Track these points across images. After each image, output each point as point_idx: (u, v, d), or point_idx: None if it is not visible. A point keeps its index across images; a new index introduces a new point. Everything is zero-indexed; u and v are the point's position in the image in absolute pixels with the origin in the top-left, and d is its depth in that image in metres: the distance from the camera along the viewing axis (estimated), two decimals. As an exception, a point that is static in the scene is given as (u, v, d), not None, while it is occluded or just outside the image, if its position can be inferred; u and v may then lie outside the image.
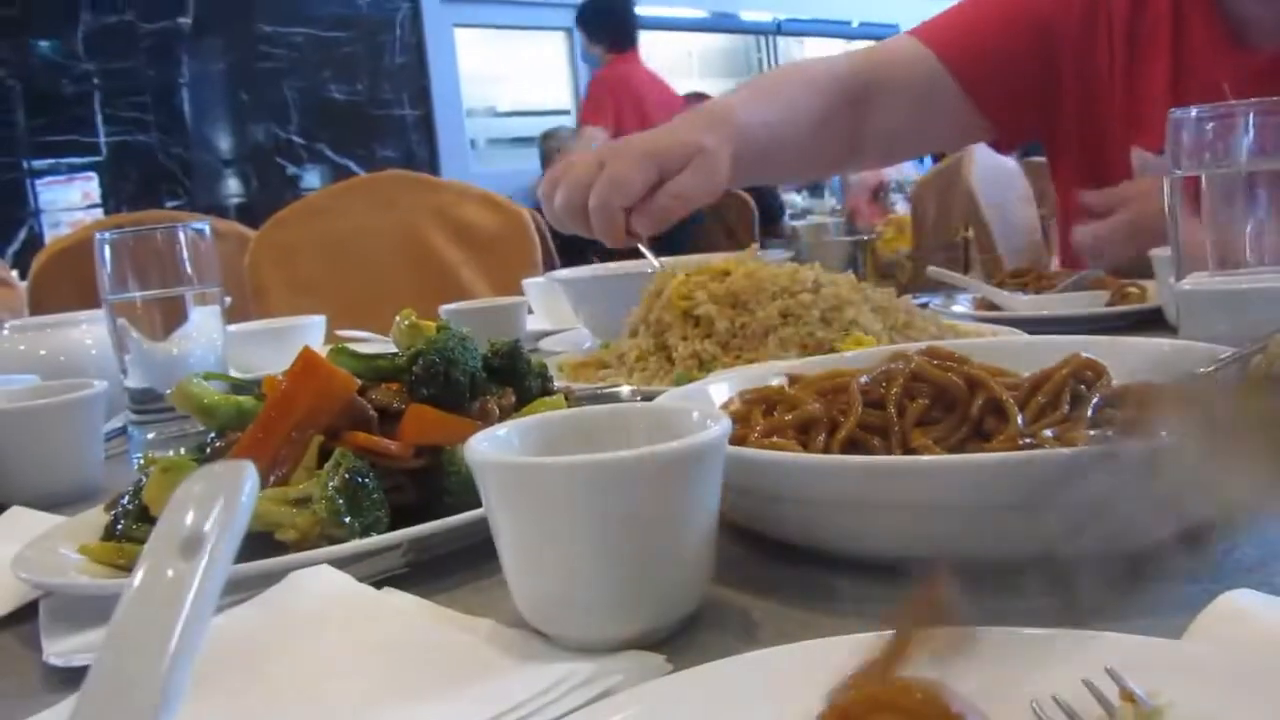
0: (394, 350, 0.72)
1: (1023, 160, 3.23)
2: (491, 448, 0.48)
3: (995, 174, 3.02)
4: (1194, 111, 0.75)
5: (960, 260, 3.27)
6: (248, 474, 0.26)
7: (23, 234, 4.84)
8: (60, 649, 0.52)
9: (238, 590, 0.53)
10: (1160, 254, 1.06)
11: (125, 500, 0.64)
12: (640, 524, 0.44)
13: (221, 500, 0.25)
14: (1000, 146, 1.47)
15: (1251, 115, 0.72)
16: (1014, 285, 1.30)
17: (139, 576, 0.25)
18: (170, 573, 0.24)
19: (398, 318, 0.74)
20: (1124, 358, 0.68)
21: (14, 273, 2.36)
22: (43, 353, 1.16)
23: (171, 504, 0.26)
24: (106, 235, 0.93)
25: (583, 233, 1.08)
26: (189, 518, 0.25)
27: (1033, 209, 3.16)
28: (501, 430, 0.51)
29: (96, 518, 0.66)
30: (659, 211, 1.04)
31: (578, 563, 0.44)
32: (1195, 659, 0.34)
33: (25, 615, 0.60)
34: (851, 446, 0.57)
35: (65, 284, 2.08)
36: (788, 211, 4.86)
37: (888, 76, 1.35)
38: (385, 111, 5.74)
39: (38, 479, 0.85)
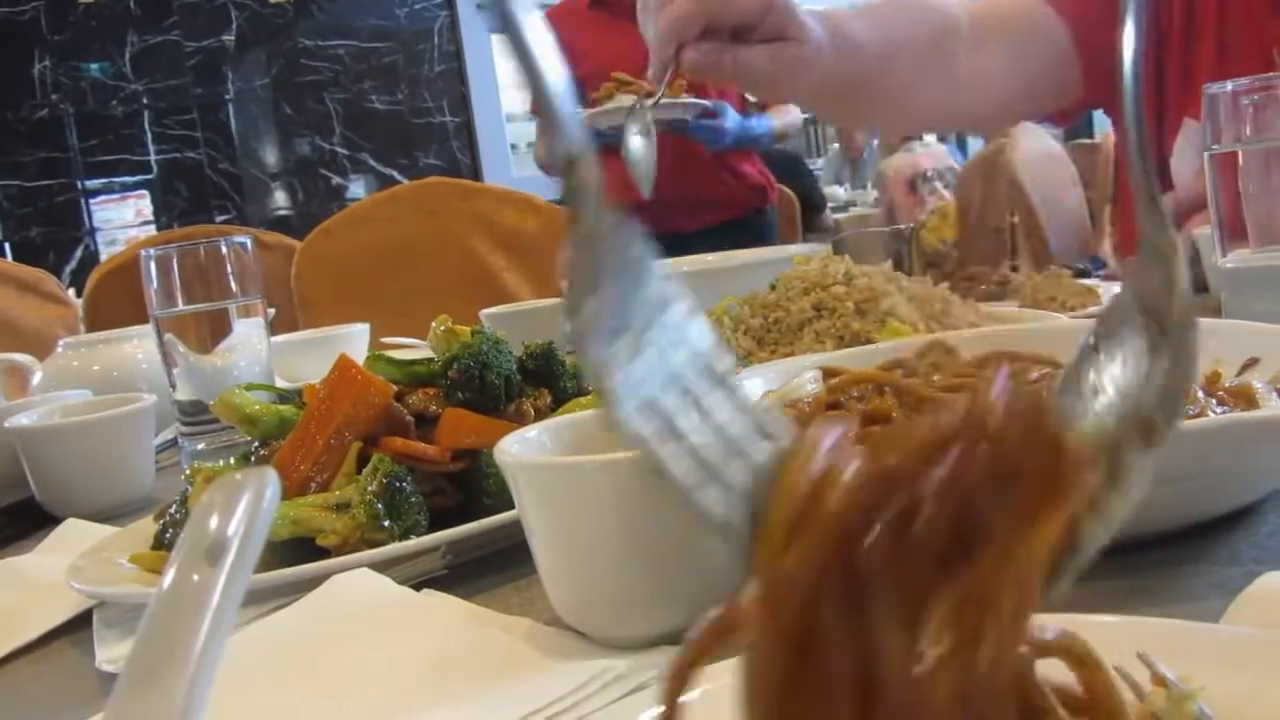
0: (432, 356, 0.73)
1: (1068, 144, 3.19)
2: (521, 449, 0.49)
3: (1041, 159, 2.98)
4: (1229, 86, 0.73)
5: (1006, 247, 3.22)
6: (269, 480, 0.27)
7: (79, 252, 4.96)
8: (112, 656, 0.54)
9: (279, 595, 0.54)
10: (1203, 232, 1.04)
11: (173, 510, 0.66)
12: (669, 520, 0.44)
13: (244, 506, 0.26)
14: (1064, 115, 1.42)
15: (1290, 88, 0.71)
16: (964, 288, 1.17)
17: (166, 582, 0.25)
18: (196, 577, 0.25)
19: (434, 323, 0.75)
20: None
21: (70, 291, 2.42)
22: (96, 368, 1.18)
23: (196, 511, 0.27)
24: (152, 252, 0.96)
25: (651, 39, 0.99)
26: (213, 524, 0.26)
27: (1080, 193, 3.11)
28: (532, 432, 0.51)
29: (147, 528, 0.68)
30: (715, 63, 0.97)
31: (608, 561, 0.45)
32: (1229, 641, 0.33)
33: (81, 624, 0.61)
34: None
35: (120, 300, 2.13)
36: (829, 204, 4.82)
37: (999, 21, 1.31)
38: (426, 120, 5.79)
39: (91, 491, 0.88)
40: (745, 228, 2.67)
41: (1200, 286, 1.11)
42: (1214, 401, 0.51)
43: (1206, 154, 0.77)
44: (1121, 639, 0.33)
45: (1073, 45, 1.29)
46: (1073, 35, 1.28)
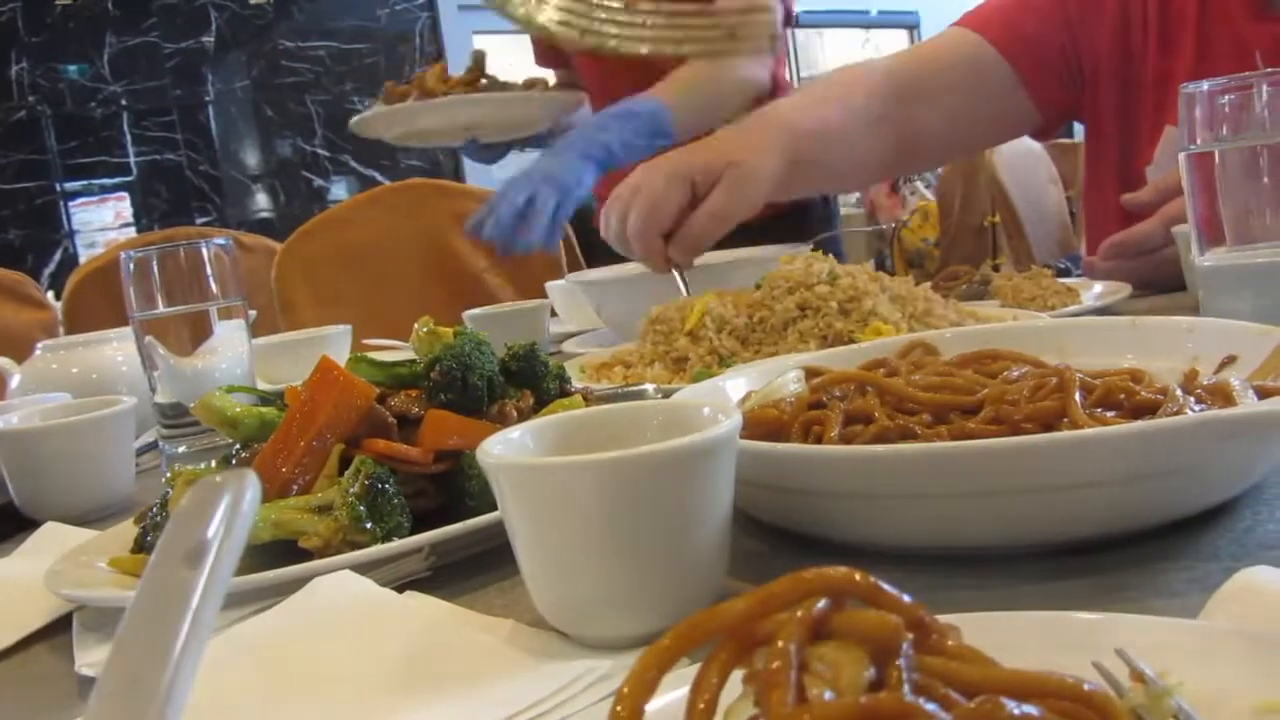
0: (415, 357, 0.73)
1: (1047, 144, 3.20)
2: (504, 450, 0.49)
3: (1021, 158, 2.99)
4: (1205, 85, 0.74)
5: (988, 246, 3.24)
6: (249, 482, 0.27)
7: (58, 255, 4.92)
8: (91, 660, 0.53)
9: (261, 597, 0.53)
10: (1181, 230, 1.04)
11: (153, 513, 0.65)
12: (651, 521, 0.44)
13: (223, 508, 0.26)
14: (1041, 132, 1.46)
15: (1265, 87, 0.71)
16: (945, 288, 1.21)
17: (145, 585, 0.25)
18: (175, 580, 0.25)
19: (416, 325, 0.75)
20: (1146, 337, 0.67)
21: (49, 294, 2.40)
22: (75, 371, 1.18)
23: (176, 514, 0.26)
24: (132, 254, 0.95)
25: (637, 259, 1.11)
26: (192, 526, 0.26)
27: (1060, 192, 3.13)
28: (515, 432, 0.51)
29: (127, 531, 0.68)
30: (696, 235, 1.07)
31: (591, 561, 0.45)
32: (1206, 637, 0.33)
33: (60, 627, 0.61)
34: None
35: (99, 303, 2.11)
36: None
37: (939, 68, 1.35)
38: (408, 121, 5.75)
39: (70, 495, 0.87)
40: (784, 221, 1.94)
41: (1178, 284, 1.12)
42: (1192, 399, 0.51)
43: (1183, 154, 0.78)
44: (1100, 635, 0.34)
45: (1017, 80, 1.34)
46: (1016, 71, 1.33)
